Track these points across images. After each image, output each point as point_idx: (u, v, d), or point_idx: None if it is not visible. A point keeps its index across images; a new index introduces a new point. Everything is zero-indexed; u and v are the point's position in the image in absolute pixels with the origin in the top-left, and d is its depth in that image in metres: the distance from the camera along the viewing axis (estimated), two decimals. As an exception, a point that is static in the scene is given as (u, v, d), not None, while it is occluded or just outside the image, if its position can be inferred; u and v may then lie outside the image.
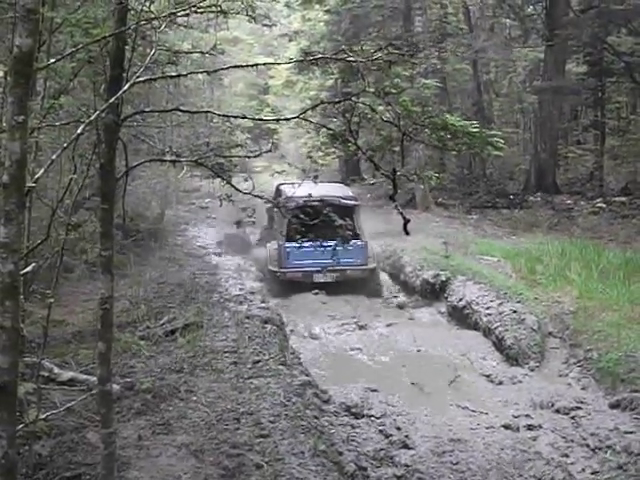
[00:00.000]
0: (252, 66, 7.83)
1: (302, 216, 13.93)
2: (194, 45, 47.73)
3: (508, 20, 43.19)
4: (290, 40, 46.52)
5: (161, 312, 14.28)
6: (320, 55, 6.92)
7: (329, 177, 47.49)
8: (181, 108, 8.53)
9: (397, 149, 8.07)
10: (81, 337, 12.42)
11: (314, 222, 11.61)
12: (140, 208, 23.56)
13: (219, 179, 7.20)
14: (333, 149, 41.84)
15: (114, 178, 6.42)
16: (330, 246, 18.97)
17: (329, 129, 7.47)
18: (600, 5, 31.12)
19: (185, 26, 18.88)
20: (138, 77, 5.88)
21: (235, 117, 8.60)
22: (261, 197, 7.17)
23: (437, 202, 33.11)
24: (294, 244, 19.08)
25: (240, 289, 17.22)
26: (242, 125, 54.22)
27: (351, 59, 6.46)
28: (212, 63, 51.39)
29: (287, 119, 7.81)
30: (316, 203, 12.85)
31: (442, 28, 39.50)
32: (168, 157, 7.53)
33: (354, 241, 19.59)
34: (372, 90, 6.58)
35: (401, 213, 8.28)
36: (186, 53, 13.16)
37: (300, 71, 41.01)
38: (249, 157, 8.58)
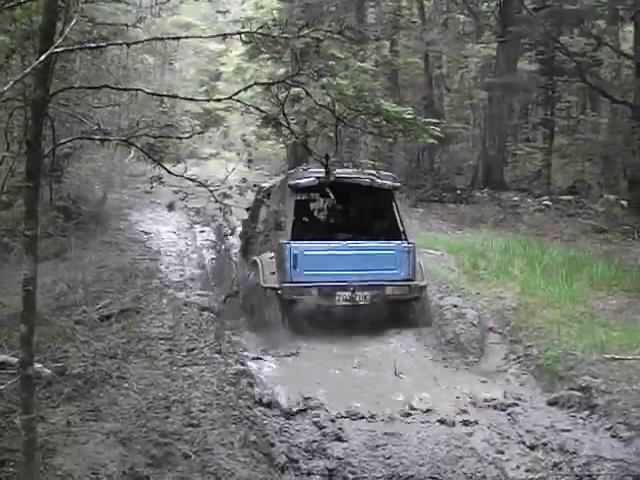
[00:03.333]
0: (175, 39, 7.33)
1: (316, 203, 11.73)
2: (146, 30, 47.36)
3: (462, 16, 43.19)
4: (242, 27, 46.17)
5: (99, 297, 14.06)
6: (247, 30, 6.68)
7: (276, 166, 47.43)
8: (111, 85, 8.31)
9: (332, 135, 7.83)
10: (17, 320, 12.10)
11: (333, 211, 10.36)
12: (82, 191, 23.22)
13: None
14: (280, 137, 41.86)
15: (40, 156, 6.20)
16: (361, 247, 15.32)
17: (261, 111, 7.28)
18: (553, 4, 31.22)
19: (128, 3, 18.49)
20: (57, 47, 5.64)
21: (167, 96, 8.46)
22: (193, 180, 6.94)
23: (383, 195, 32.93)
24: (305, 243, 14.92)
25: (180, 275, 16.99)
26: (191, 111, 53.98)
27: (276, 34, 6.26)
28: (164, 46, 51.13)
29: (218, 100, 7.59)
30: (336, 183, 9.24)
31: (395, 21, 39.32)
32: (97, 135, 7.32)
33: (396, 242, 15.63)
34: (306, 72, 6.43)
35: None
36: (109, 25, 12.68)
37: (251, 58, 40.74)
38: (180, 138, 8.35)
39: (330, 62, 6.50)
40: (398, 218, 15.87)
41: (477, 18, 41.15)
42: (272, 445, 9.18)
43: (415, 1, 40.77)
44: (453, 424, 10.80)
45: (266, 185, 16.73)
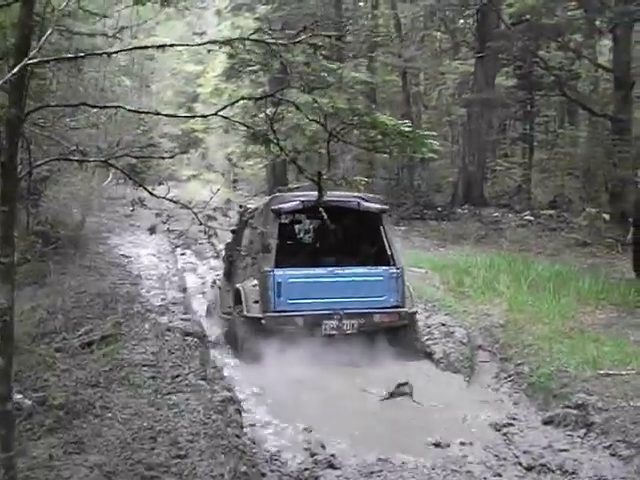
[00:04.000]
0: (158, 47, 7.02)
1: (300, 227, 11.15)
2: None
3: (439, 33, 43.21)
4: (219, 47, 46.00)
5: (79, 323, 13.64)
6: (239, 37, 6.42)
7: (256, 186, 47.27)
8: (88, 103, 8.03)
9: (324, 151, 7.41)
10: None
11: (319, 235, 10.00)
12: (61, 215, 22.82)
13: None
14: (260, 158, 41.71)
15: (16, 178, 5.89)
16: (348, 274, 14.59)
17: (249, 127, 7.00)
18: (531, 19, 31.19)
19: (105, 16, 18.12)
20: (31, 59, 5.35)
21: (149, 113, 8.11)
22: (176, 202, 6.64)
23: (365, 213, 32.70)
24: (289, 270, 14.31)
25: (162, 299, 16.66)
26: (169, 133, 53.74)
27: (271, 41, 6.02)
28: (140, 68, 50.93)
29: (203, 116, 7.33)
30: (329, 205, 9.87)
31: (372, 38, 39.22)
32: (75, 157, 7.01)
33: (384, 268, 14.94)
34: (297, 85, 6.17)
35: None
36: (88, 35, 12.20)
37: (228, 79, 40.60)
38: (163, 158, 8.11)
39: (322, 73, 6.24)
40: (386, 242, 15.22)
41: (454, 35, 41.23)
42: (263, 475, 8.86)
43: (392, 18, 40.68)
44: (448, 446, 10.51)
45: (250, 206, 15.88)
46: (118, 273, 19.64)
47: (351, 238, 16.22)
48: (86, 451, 8.26)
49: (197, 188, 21.82)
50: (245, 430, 10.19)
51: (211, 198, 7.24)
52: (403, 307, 14.81)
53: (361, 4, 43.10)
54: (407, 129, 6.93)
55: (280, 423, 11.41)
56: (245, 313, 14.24)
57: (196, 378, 10.86)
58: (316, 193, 7.24)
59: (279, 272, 13.97)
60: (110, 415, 9.31)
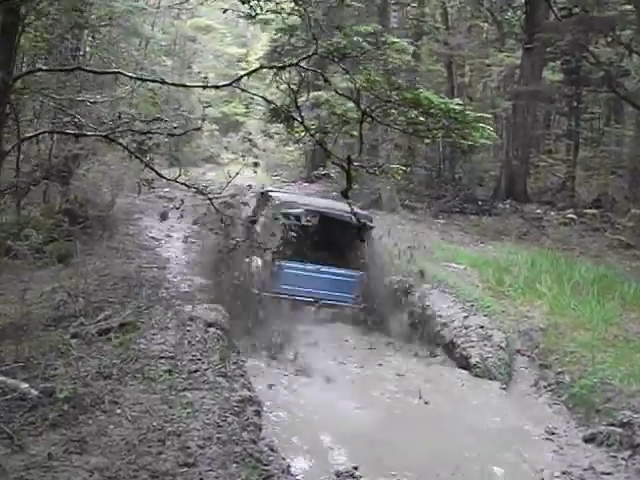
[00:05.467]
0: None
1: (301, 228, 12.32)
2: (165, 31, 46.70)
3: (485, 24, 42.26)
4: (262, 30, 45.28)
5: (100, 307, 13.02)
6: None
7: (295, 173, 46.50)
8: (84, 67, 7.33)
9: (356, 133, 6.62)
10: (10, 330, 11.16)
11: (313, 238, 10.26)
12: (90, 194, 22.23)
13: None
14: (298, 143, 40.94)
15: (2, 152, 5.17)
16: (329, 273, 17.81)
17: (268, 101, 6.28)
18: (581, 11, 30.23)
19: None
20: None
21: (150, 81, 7.40)
22: (189, 186, 5.97)
23: (404, 204, 32.00)
24: (285, 263, 17.22)
25: (189, 285, 15.99)
26: (210, 116, 53.24)
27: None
28: (182, 49, 50.41)
29: (217, 87, 6.65)
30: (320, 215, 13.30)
31: (418, 27, 38.30)
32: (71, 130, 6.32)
33: (359, 272, 17.81)
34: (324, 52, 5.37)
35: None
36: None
37: (271, 61, 39.83)
38: (172, 135, 7.35)
39: (355, 38, 5.45)
40: (365, 252, 17.86)
41: (501, 26, 40.26)
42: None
43: (439, 7, 39.80)
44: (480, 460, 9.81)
45: (269, 189, 17.64)
46: (146, 256, 19.00)
47: (338, 244, 18.64)
48: (88, 452, 7.64)
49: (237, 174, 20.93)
50: (263, 434, 9.46)
51: (228, 182, 6.62)
52: (359, 303, 17.42)
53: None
54: (458, 108, 6.09)
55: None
56: (251, 288, 16.51)
57: (215, 374, 10.21)
58: (317, 203, 6.72)
59: (278, 263, 16.75)
60: (119, 411, 8.69)
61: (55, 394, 8.85)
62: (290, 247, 17.02)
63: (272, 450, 8.88)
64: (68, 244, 17.39)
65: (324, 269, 17.66)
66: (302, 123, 5.92)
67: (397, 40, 23.44)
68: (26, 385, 8.79)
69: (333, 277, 17.65)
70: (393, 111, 6.01)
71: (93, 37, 16.01)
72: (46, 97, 12.11)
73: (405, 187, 34.35)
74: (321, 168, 39.45)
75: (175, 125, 7.83)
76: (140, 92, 18.52)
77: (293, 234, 15.79)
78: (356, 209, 15.33)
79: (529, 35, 33.47)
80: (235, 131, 55.57)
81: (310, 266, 17.50)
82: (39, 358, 10.14)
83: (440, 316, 16.09)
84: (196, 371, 10.23)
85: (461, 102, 6.19)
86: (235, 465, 7.62)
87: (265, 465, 8.13)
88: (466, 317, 15.53)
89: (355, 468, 9.43)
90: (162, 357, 10.66)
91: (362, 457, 9.86)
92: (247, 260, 16.82)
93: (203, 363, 10.57)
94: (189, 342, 11.47)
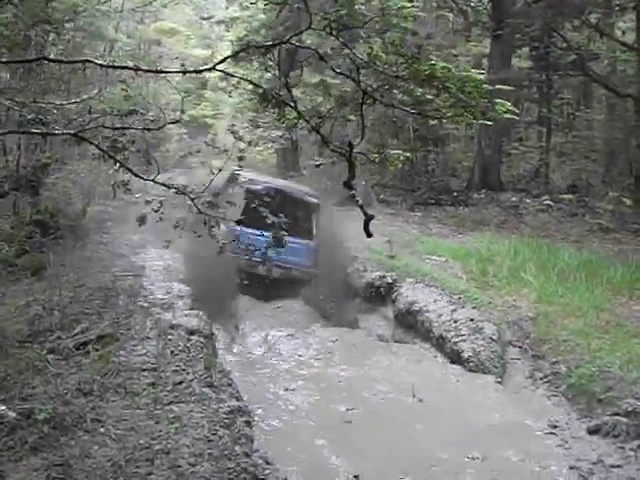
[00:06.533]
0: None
1: (260, 202, 13.35)
2: (129, 35, 46.19)
3: (451, 14, 41.98)
4: (227, 30, 44.72)
5: (77, 320, 12.50)
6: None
7: (266, 173, 46.06)
8: (49, 57, 6.87)
9: (354, 118, 6.15)
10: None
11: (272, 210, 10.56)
12: (61, 204, 21.71)
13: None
14: (270, 143, 40.51)
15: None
16: (287, 240, 19.66)
17: (256, 85, 5.83)
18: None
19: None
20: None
21: (122, 68, 6.95)
22: (168, 186, 5.54)
23: (379, 199, 31.69)
24: (244, 229, 18.33)
25: (167, 292, 15.52)
26: (178, 118, 52.68)
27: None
28: (146, 54, 49.88)
29: (198, 71, 6.20)
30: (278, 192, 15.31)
31: (385, 19, 37.89)
32: (38, 129, 5.85)
33: (306, 241, 20.76)
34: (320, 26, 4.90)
35: (361, 207, 6.63)
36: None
37: (237, 62, 39.37)
38: (149, 129, 6.87)
39: (355, 6, 4.99)
40: (314, 225, 21.24)
41: (467, 15, 40.03)
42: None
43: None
44: (484, 459, 9.41)
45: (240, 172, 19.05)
46: (121, 264, 18.44)
47: (292, 217, 18.93)
48: (72, 475, 7.20)
49: (205, 176, 20.61)
50: (256, 445, 9.01)
51: (211, 181, 6.19)
52: (312, 267, 20.47)
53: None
54: (479, 77, 5.63)
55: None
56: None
57: (201, 385, 9.74)
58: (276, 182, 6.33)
59: (238, 228, 17.11)
60: (102, 430, 8.21)
61: (34, 415, 8.37)
62: (250, 217, 18.01)
63: (267, 463, 8.46)
64: (40, 256, 16.90)
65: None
66: (295, 107, 5.46)
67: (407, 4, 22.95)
68: (3, 407, 8.31)
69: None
70: (395, 91, 5.55)
71: (57, 34, 15.50)
72: (7, 100, 11.55)
73: (379, 182, 34.09)
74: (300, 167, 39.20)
75: (151, 118, 7.39)
76: (107, 95, 18.08)
77: (253, 205, 17.21)
78: (308, 190, 22.05)
79: (497, 22, 33.19)
80: (204, 134, 55.07)
81: (267, 233, 18.14)
82: (15, 377, 9.64)
83: (427, 311, 15.71)
84: (181, 382, 9.76)
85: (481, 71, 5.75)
86: (230, 482, 7.19)
87: (261, 479, 7.71)
88: (454, 310, 15.12)
89: (356, 477, 9.03)
90: (144, 369, 10.17)
91: (361, 464, 9.45)
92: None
93: (188, 374, 10.10)
94: (171, 352, 10.98)
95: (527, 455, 9.61)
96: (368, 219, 7.07)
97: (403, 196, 32.85)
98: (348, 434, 10.51)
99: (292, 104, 5.46)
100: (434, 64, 5.34)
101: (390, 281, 17.97)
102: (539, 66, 35.71)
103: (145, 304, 14.03)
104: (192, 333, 12.00)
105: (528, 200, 31.59)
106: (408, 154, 8.21)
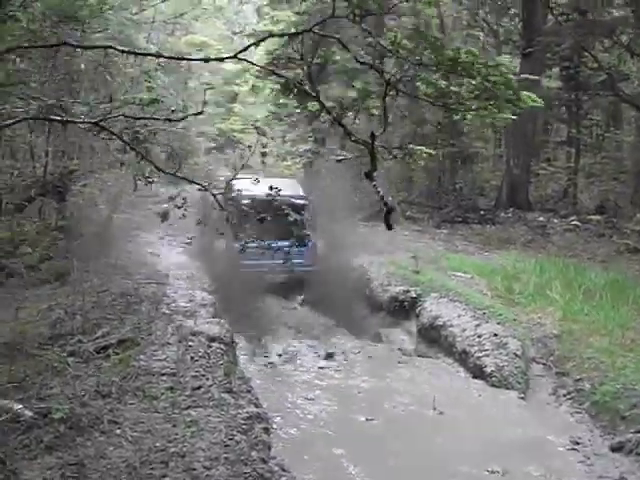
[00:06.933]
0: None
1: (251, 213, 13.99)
2: (160, 47, 46.46)
3: (482, 33, 41.89)
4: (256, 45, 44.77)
5: (98, 324, 12.48)
6: None
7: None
8: (71, 42, 6.83)
9: (376, 112, 6.07)
10: (6, 350, 10.62)
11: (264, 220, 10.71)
12: (87, 211, 21.76)
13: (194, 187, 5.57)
14: (298, 156, 40.53)
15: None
16: (282, 247, 20.60)
17: (279, 75, 5.77)
18: (580, 15, 29.88)
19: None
20: None
21: (147, 55, 6.92)
22: (190, 181, 5.48)
23: (405, 215, 31.57)
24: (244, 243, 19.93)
25: (190, 300, 15.46)
26: (207, 133, 52.81)
27: None
28: (177, 66, 50.09)
29: (220, 59, 6.17)
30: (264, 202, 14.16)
31: (414, 37, 37.83)
32: (58, 117, 5.79)
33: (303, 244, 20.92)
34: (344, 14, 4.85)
35: (382, 197, 6.55)
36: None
37: (266, 76, 39.51)
38: (170, 120, 6.80)
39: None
40: (307, 226, 20.23)
41: (497, 34, 39.92)
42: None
43: (435, 18, 39.41)
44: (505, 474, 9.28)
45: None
46: (145, 272, 18.43)
47: (284, 221, 19.52)
48: (86, 475, 7.14)
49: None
50: (273, 452, 8.92)
51: (235, 175, 6.14)
52: (312, 266, 20.99)
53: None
54: (507, 63, 5.53)
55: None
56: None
57: (220, 390, 9.68)
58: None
59: (237, 244, 17.98)
60: (119, 432, 8.15)
61: (51, 415, 8.33)
62: (246, 229, 19.15)
63: (283, 470, 8.37)
64: (65, 262, 16.92)
65: (274, 244, 19.72)
66: (317, 97, 5.38)
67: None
68: (20, 406, 8.27)
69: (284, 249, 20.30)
70: (418, 83, 5.48)
71: (84, 32, 15.40)
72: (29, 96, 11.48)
73: (405, 199, 33.97)
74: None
75: (173, 109, 7.33)
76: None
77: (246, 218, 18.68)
78: (297, 191, 22.70)
79: (527, 41, 33.08)
80: (232, 148, 55.16)
81: (263, 243, 19.66)
82: (34, 378, 9.60)
83: (451, 325, 15.61)
84: (199, 387, 9.70)
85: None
86: (245, 487, 7.10)
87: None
88: (478, 325, 15.01)
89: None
90: (163, 374, 10.14)
91: (378, 474, 9.35)
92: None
93: (207, 379, 10.04)
94: (192, 358, 10.95)
95: (548, 470, 9.48)
96: (389, 211, 6.98)
97: (430, 213, 32.72)
98: (366, 444, 10.43)
99: (314, 94, 5.38)
100: (458, 48, 5.23)
101: (414, 295, 17.89)
102: (569, 86, 35.52)
103: (167, 311, 13.97)
104: (213, 340, 11.96)
105: (556, 220, 31.38)
106: (431, 151, 8.06)
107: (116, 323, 12.56)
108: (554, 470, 9.52)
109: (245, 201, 19.44)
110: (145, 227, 25.67)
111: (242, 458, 7.71)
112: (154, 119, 6.15)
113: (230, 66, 61.01)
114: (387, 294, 18.81)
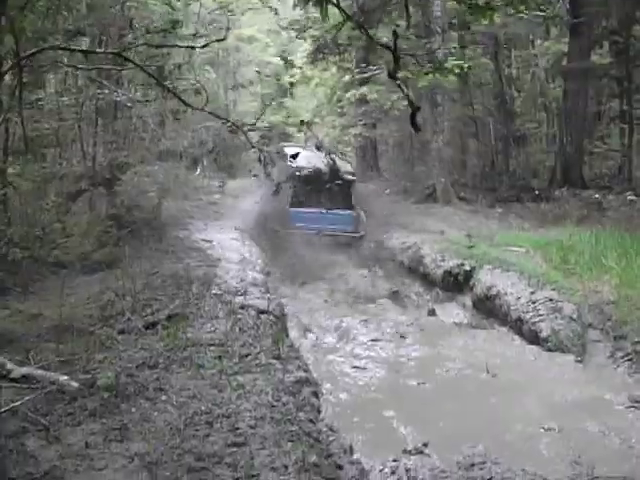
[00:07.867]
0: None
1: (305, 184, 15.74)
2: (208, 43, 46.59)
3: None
4: (302, 32, 44.34)
5: (148, 304, 12.40)
6: None
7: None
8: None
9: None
10: (52, 332, 10.57)
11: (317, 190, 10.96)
12: (137, 198, 21.75)
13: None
14: (350, 146, 40.53)
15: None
16: (330, 213, 24.82)
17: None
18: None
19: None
20: None
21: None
22: (222, 118, 5.34)
23: (459, 196, 31.31)
24: (298, 208, 24.52)
25: (241, 280, 15.32)
26: (259, 128, 52.99)
27: None
28: (225, 60, 50.23)
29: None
30: (320, 174, 18.85)
31: (461, 15, 37.43)
32: (80, 47, 5.66)
33: (348, 211, 25.26)
34: None
35: (407, 95, 6.35)
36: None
37: (313, 61, 39.49)
38: (194, 47, 6.67)
39: None
40: (353, 198, 25.35)
41: (545, 12, 39.49)
42: (340, 468, 7.40)
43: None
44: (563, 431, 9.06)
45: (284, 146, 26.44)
46: (196, 256, 18.35)
47: (335, 192, 25.46)
48: (129, 438, 7.01)
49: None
50: (321, 416, 8.76)
51: (258, 118, 5.99)
52: (357, 232, 24.68)
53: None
54: None
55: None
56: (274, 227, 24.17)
57: (268, 357, 9.54)
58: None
59: (292, 209, 24.07)
60: (164, 398, 8.04)
61: (96, 385, 8.24)
62: (300, 196, 24.91)
63: (331, 430, 8.19)
64: (116, 249, 16.90)
65: (324, 210, 24.74)
66: (337, 5, 5.23)
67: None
68: (66, 377, 8.18)
69: (332, 215, 24.68)
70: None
71: (132, 29, 15.26)
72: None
73: (458, 181, 33.69)
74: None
75: (194, 34, 7.17)
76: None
77: (300, 186, 24.05)
78: (347, 168, 26.37)
79: (574, 17, 32.62)
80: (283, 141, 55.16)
81: (314, 209, 24.54)
82: (82, 354, 9.53)
83: (505, 294, 15.40)
84: (248, 355, 9.58)
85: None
86: (290, 444, 6.91)
87: (324, 444, 7.42)
88: (533, 292, 14.80)
89: (425, 445, 8.73)
90: (211, 344, 10.02)
91: (430, 433, 9.18)
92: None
93: (255, 347, 9.92)
94: (240, 329, 10.87)
95: (607, 428, 9.24)
96: (414, 110, 6.78)
97: (483, 194, 32.41)
98: (418, 406, 10.34)
99: (334, 1, 5.23)
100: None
101: (468, 268, 17.88)
102: (619, 60, 34.92)
103: (218, 291, 13.83)
104: (262, 312, 11.92)
105: (611, 196, 30.87)
106: (465, 64, 7.83)
107: (166, 302, 12.47)
108: (612, 427, 9.27)
109: (304, 173, 24.23)
110: (197, 215, 25.70)
111: (289, 418, 7.54)
112: (176, 46, 6.02)
113: (277, 60, 61.15)
114: (441, 269, 18.63)
